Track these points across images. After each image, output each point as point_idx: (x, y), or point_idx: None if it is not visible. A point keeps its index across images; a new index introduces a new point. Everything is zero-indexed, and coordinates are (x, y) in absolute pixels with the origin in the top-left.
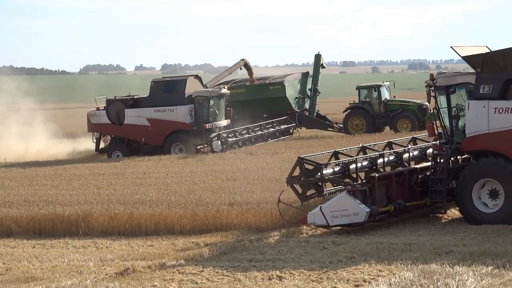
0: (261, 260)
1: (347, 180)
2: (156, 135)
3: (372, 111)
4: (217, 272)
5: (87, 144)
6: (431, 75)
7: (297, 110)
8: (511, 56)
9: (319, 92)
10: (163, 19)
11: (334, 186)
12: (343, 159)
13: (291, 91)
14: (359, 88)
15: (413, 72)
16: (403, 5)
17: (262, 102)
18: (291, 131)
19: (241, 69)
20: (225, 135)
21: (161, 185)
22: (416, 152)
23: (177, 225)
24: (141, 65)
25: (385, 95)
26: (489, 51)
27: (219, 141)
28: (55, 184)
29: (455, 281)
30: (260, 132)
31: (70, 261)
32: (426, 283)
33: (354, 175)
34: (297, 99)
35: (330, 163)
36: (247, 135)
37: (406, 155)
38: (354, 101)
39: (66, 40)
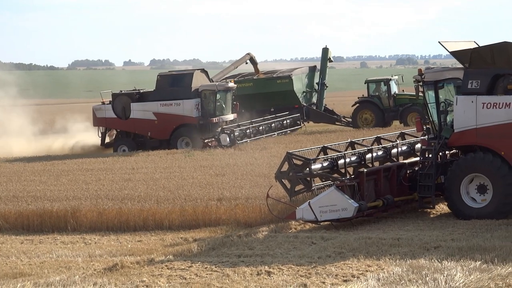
0: (249, 256)
1: (335, 175)
2: (162, 129)
3: (381, 105)
4: (206, 268)
5: (81, 137)
6: (419, 70)
7: (305, 104)
8: (499, 51)
9: (327, 86)
10: (151, 14)
11: (322, 181)
12: (331, 154)
13: (299, 85)
14: (368, 82)
15: (401, 67)
16: (392, 2)
17: (270, 96)
18: (299, 122)
19: (246, 63)
20: (231, 129)
21: (150, 181)
22: (404, 147)
23: (165, 220)
24: (130, 60)
25: (394, 89)
26: (477, 46)
27: (227, 135)
28: (43, 180)
29: (444, 276)
30: (266, 126)
31: (59, 256)
32: (414, 278)
33: (343, 170)
34: (304, 93)
35: (319, 158)
36: (252, 129)
37: (394, 150)
38: (363, 95)
39: (55, 35)
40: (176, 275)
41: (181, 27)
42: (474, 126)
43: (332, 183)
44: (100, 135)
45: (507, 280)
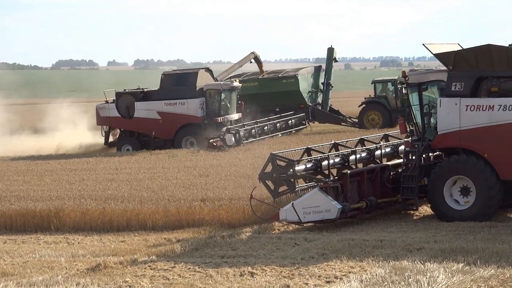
0: (233, 256)
1: (319, 176)
2: (167, 129)
3: (388, 106)
4: (189, 268)
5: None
6: (403, 72)
7: (310, 104)
8: (483, 53)
9: (332, 86)
10: (135, 14)
11: (306, 183)
12: (315, 155)
13: (304, 85)
14: (374, 82)
15: (385, 69)
16: (377, 4)
17: (275, 95)
18: (304, 122)
19: (251, 62)
20: (236, 129)
21: (134, 181)
22: (388, 149)
23: (149, 221)
24: (114, 60)
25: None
26: (461, 48)
27: (232, 135)
28: (27, 180)
29: (426, 278)
30: (271, 126)
31: (42, 256)
32: (397, 280)
33: (326, 172)
34: (310, 93)
35: (302, 160)
36: (257, 129)
37: (378, 152)
38: (370, 95)
39: (39, 35)
40: (159, 276)
41: (165, 28)
42: (457, 128)
43: (315, 184)
44: (103, 134)
45: (490, 282)
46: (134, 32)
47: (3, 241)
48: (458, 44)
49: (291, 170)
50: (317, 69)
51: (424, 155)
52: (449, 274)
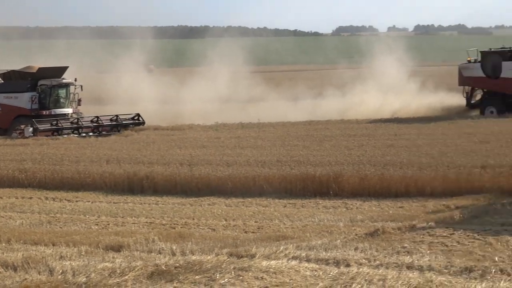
0: None
1: None
2: None
3: None
4: (468, 236)
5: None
6: None
7: None
8: None
9: None
10: None
11: None
12: None
13: None
14: None
15: None
16: None
17: None
18: None
19: None
20: None
21: (413, 147)
22: None
23: (427, 187)
24: (394, 26)
25: None
26: None
27: None
28: (306, 145)
29: None
30: None
31: (320, 221)
32: None
33: None
34: None
35: None
36: None
37: None
38: None
39: (319, 2)
40: (438, 242)
41: None
42: None
43: None
44: (464, 95)
45: None
46: None
47: (283, 205)
48: None
49: None
50: None
51: None
52: None
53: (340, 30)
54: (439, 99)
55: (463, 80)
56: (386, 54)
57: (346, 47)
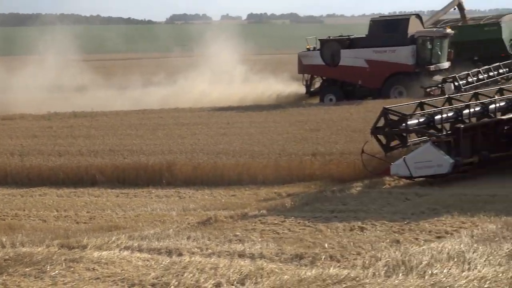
0: (343, 211)
1: (431, 131)
2: (374, 78)
3: None
4: (299, 223)
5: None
6: None
7: (511, 53)
8: None
9: None
10: None
11: (418, 137)
12: (428, 110)
13: (507, 33)
14: None
15: None
16: None
17: (475, 44)
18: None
19: (454, 9)
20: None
21: (245, 135)
22: (502, 103)
23: (260, 175)
24: (227, 14)
25: None
26: None
27: (452, 84)
28: (139, 134)
29: None
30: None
31: (153, 210)
32: (509, 235)
33: (439, 126)
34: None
35: (415, 114)
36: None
37: (492, 106)
38: None
39: None
40: (269, 230)
41: None
42: None
43: (428, 139)
44: (304, 83)
45: None
46: None
47: (115, 195)
48: None
49: (404, 124)
50: None
51: None
52: None
53: (174, 18)
54: (275, 87)
55: (303, 68)
56: (219, 42)
57: (180, 35)
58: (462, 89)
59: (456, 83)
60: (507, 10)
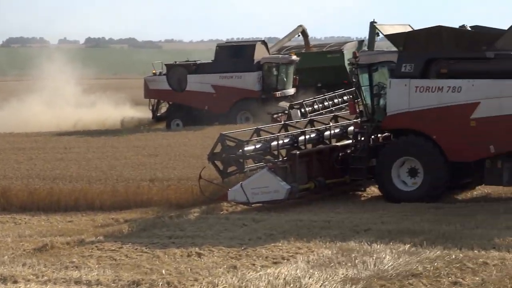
0: (180, 237)
1: (268, 157)
2: (221, 103)
3: None
4: (136, 249)
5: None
6: (354, 53)
7: (354, 80)
8: (433, 35)
9: None
10: None
11: (255, 163)
12: (265, 136)
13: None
14: None
15: None
16: None
17: (318, 70)
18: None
19: (298, 36)
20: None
21: (82, 160)
22: (337, 130)
23: (97, 201)
24: (65, 38)
25: None
26: (411, 30)
27: (299, 111)
28: None
29: (373, 259)
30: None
31: None
32: (344, 261)
33: (276, 152)
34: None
35: (252, 140)
36: (319, 105)
37: (327, 133)
38: None
39: None
40: (106, 256)
41: (119, 3)
42: (407, 110)
43: (264, 165)
44: (150, 108)
45: (435, 264)
46: (84, 9)
47: None
48: (409, 25)
49: (240, 150)
50: (360, 44)
51: (373, 136)
52: (396, 255)
53: (10, 42)
54: (119, 112)
55: (149, 93)
56: (55, 65)
57: (16, 58)
58: (308, 116)
59: (303, 110)
60: (344, 38)
